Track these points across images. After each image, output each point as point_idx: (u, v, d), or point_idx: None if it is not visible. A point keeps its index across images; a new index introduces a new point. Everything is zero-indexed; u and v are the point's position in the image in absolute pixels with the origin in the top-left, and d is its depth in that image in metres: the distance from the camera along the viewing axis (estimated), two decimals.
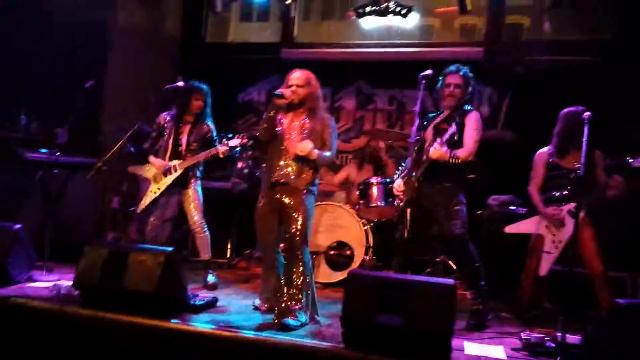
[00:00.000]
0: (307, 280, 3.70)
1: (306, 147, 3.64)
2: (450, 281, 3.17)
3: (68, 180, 5.23)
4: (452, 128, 3.73)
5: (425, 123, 4.10)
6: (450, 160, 3.74)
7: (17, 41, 5.16)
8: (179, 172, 4.64)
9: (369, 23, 6.79)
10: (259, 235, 3.94)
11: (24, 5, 5.21)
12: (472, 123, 3.89)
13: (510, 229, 4.38)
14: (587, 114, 3.74)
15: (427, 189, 3.89)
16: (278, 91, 3.78)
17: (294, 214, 3.72)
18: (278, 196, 3.77)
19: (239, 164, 5.80)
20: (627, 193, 4.07)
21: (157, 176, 4.67)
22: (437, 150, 3.68)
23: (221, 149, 4.53)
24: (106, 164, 4.45)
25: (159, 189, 4.65)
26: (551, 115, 5.44)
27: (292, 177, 3.74)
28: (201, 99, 4.72)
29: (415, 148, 3.99)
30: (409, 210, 3.78)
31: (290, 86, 3.79)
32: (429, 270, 5.13)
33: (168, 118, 4.77)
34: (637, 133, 5.08)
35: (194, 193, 4.72)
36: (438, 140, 3.71)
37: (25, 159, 4.97)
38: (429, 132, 3.99)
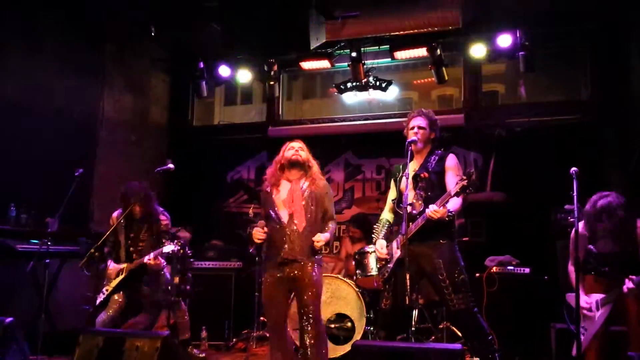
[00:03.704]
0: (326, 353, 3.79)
1: (321, 240, 3.72)
2: (458, 346, 3.09)
3: (60, 270, 5.15)
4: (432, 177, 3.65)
5: (398, 175, 3.89)
6: (447, 218, 3.48)
7: (3, 134, 5.20)
8: (123, 275, 4.57)
9: (351, 98, 7.01)
10: (269, 313, 3.86)
11: (11, 99, 5.30)
12: (453, 168, 3.68)
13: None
14: (573, 168, 3.67)
15: (419, 247, 3.62)
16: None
17: (307, 288, 3.73)
18: (289, 273, 3.75)
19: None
20: None
21: None
22: (437, 212, 3.41)
23: (147, 259, 4.46)
24: (98, 251, 4.41)
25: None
26: (536, 174, 5.61)
27: (300, 254, 3.74)
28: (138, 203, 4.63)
29: (393, 202, 3.90)
30: (408, 275, 3.36)
31: (293, 147, 3.92)
32: (433, 338, 5.02)
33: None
34: (618, 186, 5.16)
35: None
36: (437, 202, 3.46)
37: (16, 250, 4.90)
38: (408, 183, 3.62)
